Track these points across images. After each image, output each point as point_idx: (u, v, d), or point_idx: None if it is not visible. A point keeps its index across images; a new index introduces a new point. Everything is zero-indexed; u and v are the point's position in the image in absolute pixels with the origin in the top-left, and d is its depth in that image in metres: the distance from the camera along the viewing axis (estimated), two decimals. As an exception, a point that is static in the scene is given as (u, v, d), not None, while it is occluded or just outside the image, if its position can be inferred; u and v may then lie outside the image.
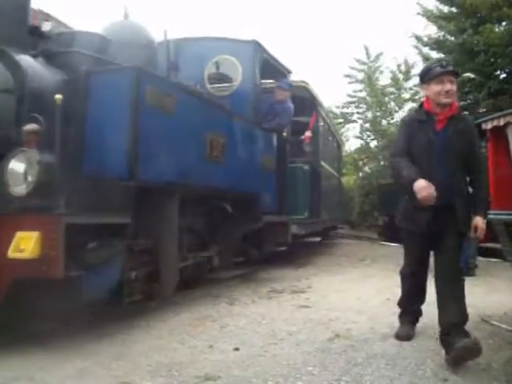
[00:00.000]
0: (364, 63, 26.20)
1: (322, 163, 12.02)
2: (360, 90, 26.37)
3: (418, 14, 17.07)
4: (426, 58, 17.63)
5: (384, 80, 25.95)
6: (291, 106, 8.24)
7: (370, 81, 25.59)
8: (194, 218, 6.05)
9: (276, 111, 8.03)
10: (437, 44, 16.45)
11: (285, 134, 8.56)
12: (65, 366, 3.55)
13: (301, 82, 10.81)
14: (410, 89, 25.44)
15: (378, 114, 25.26)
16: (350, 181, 27.34)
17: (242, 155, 6.56)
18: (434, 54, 17.26)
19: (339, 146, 18.03)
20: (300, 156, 9.74)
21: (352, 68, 26.45)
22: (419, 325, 4.55)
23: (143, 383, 3.22)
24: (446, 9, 16.44)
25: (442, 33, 16.39)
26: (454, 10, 15.75)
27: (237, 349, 3.94)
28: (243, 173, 6.63)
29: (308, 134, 9.72)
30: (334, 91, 48.48)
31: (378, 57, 26.04)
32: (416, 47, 18.07)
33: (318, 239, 14.49)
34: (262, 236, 7.59)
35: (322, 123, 12.38)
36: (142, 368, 3.51)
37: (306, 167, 9.94)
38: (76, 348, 3.98)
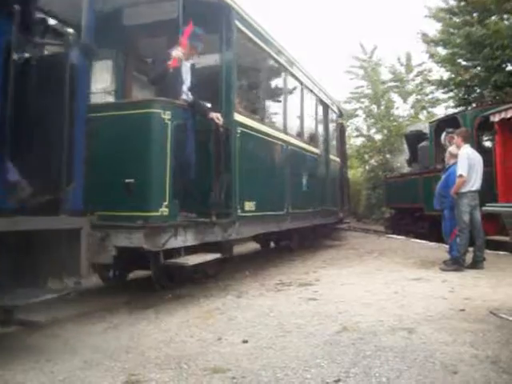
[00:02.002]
0: (362, 60, 26.29)
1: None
2: (362, 86, 26.44)
3: (426, 16, 17.08)
4: (431, 55, 17.61)
5: (385, 74, 26.04)
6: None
7: (369, 76, 25.66)
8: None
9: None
10: (442, 40, 16.41)
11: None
12: (73, 357, 3.57)
13: None
14: (413, 80, 25.45)
15: (382, 107, 25.25)
16: (357, 174, 27.34)
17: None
18: (440, 50, 17.27)
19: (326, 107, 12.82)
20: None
21: (352, 66, 26.60)
22: (430, 317, 4.54)
23: (152, 376, 3.23)
24: (451, 3, 16.38)
25: (448, 29, 16.32)
26: (461, 4, 15.66)
27: (245, 341, 3.95)
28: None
29: (176, 53, 5.80)
30: (336, 87, 48.37)
31: (373, 51, 26.11)
32: (425, 42, 18.03)
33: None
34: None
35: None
36: (150, 361, 3.52)
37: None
38: (84, 340, 4.00)
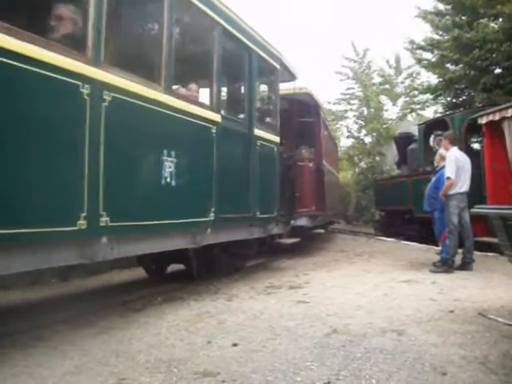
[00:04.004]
0: (353, 60, 26.39)
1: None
2: (352, 88, 26.54)
3: (416, 16, 17.15)
4: (419, 60, 17.76)
5: (375, 76, 26.20)
6: None
7: (359, 77, 25.78)
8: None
9: None
10: (431, 45, 16.52)
11: None
12: (63, 362, 3.56)
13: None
14: (402, 82, 25.65)
15: (372, 110, 25.37)
16: (347, 176, 27.45)
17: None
18: (428, 55, 17.43)
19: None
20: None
21: (343, 66, 26.68)
22: (419, 319, 4.57)
23: (142, 380, 3.22)
24: (441, 6, 16.50)
25: (436, 31, 16.44)
26: (449, 7, 15.79)
27: (235, 344, 3.94)
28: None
29: None
30: (326, 88, 48.61)
31: (365, 52, 26.24)
32: (409, 50, 18.20)
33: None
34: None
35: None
36: (140, 364, 3.51)
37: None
38: (74, 344, 3.98)
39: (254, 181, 7.57)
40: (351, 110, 26.89)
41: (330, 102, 26.63)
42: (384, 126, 24.86)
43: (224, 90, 7.77)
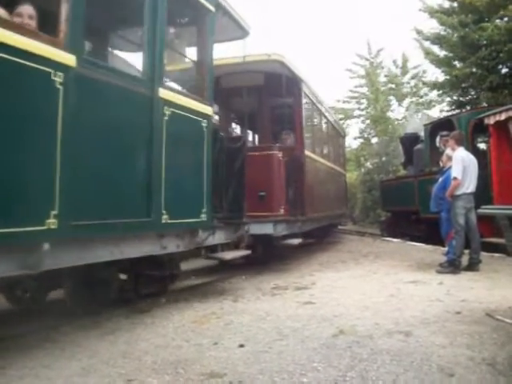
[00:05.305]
0: (366, 59, 26.35)
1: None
2: (361, 86, 26.50)
3: (420, 10, 17.06)
4: (426, 53, 17.63)
5: (382, 77, 26.20)
6: None
7: (369, 77, 25.75)
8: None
9: None
10: (438, 39, 16.43)
11: None
12: (70, 363, 3.56)
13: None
14: (408, 83, 25.60)
15: (379, 109, 25.35)
16: (353, 176, 27.42)
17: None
18: (436, 49, 17.27)
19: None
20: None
21: (354, 63, 26.64)
22: (426, 320, 4.55)
23: (149, 381, 3.22)
24: (447, 3, 16.44)
25: (443, 28, 16.36)
26: (455, 5, 15.74)
27: (242, 345, 3.94)
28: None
29: None
30: (334, 86, 48.54)
31: (379, 52, 26.20)
32: (417, 41, 18.05)
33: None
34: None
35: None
36: (147, 366, 3.51)
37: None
38: (81, 345, 3.99)
39: (157, 168, 4.97)
40: (359, 109, 26.90)
41: (339, 101, 26.68)
42: (390, 126, 24.83)
43: (90, 16, 4.34)
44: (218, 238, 6.45)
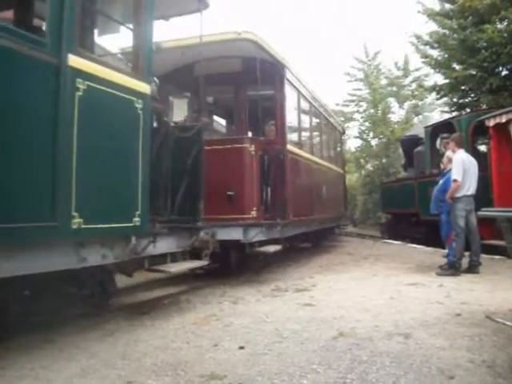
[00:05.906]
0: (363, 62, 26.39)
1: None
2: (359, 89, 26.57)
3: (419, 12, 17.03)
4: (424, 56, 17.63)
5: (383, 79, 26.20)
6: None
7: (368, 80, 25.78)
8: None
9: None
10: (437, 42, 16.42)
11: None
12: (70, 364, 3.56)
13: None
14: (409, 85, 25.61)
15: (379, 112, 25.37)
16: (353, 178, 27.42)
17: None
18: (434, 53, 17.26)
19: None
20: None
21: (352, 67, 26.70)
22: (426, 322, 4.55)
23: (148, 383, 3.21)
24: (446, 6, 16.42)
25: (443, 31, 16.34)
26: (454, 7, 15.72)
27: (242, 347, 3.94)
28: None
29: None
30: (334, 89, 48.60)
31: (376, 55, 26.24)
32: (414, 45, 18.03)
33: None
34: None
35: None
36: (147, 367, 3.51)
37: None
38: (80, 347, 3.98)
39: (64, 158, 3.79)
40: (358, 112, 26.93)
41: (338, 104, 26.71)
42: (390, 129, 24.83)
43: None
44: (164, 246, 5.36)
